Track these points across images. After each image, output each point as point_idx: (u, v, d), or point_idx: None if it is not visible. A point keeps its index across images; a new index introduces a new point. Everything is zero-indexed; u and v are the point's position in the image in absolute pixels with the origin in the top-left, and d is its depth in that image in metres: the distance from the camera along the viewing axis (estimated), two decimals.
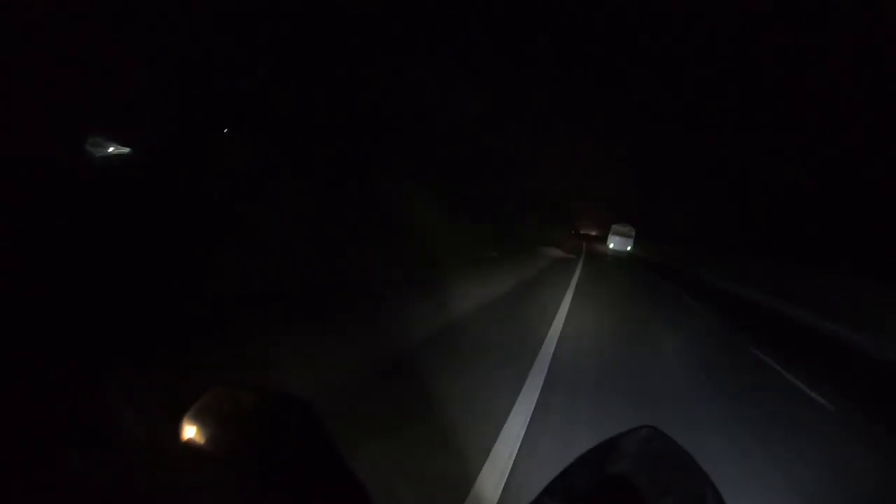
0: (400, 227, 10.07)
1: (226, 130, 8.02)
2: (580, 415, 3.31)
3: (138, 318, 3.35)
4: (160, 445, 0.52)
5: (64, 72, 5.46)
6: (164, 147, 7.25)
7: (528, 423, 3.00)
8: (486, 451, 2.56)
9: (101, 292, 3.46)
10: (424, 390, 3.25)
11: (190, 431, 0.52)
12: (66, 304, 3.15)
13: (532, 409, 3.22)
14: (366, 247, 7.66)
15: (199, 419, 0.53)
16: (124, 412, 2.06)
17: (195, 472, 0.50)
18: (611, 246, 36.68)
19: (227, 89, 8.15)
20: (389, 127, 12.14)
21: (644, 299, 11.22)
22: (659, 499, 0.68)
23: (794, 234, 18.88)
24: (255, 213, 6.29)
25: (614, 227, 37.80)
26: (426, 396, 3.16)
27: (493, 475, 2.34)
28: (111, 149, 8.45)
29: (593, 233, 64.16)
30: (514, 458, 2.54)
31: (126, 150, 8.49)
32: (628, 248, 36.27)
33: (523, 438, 2.78)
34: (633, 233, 37.15)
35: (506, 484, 2.28)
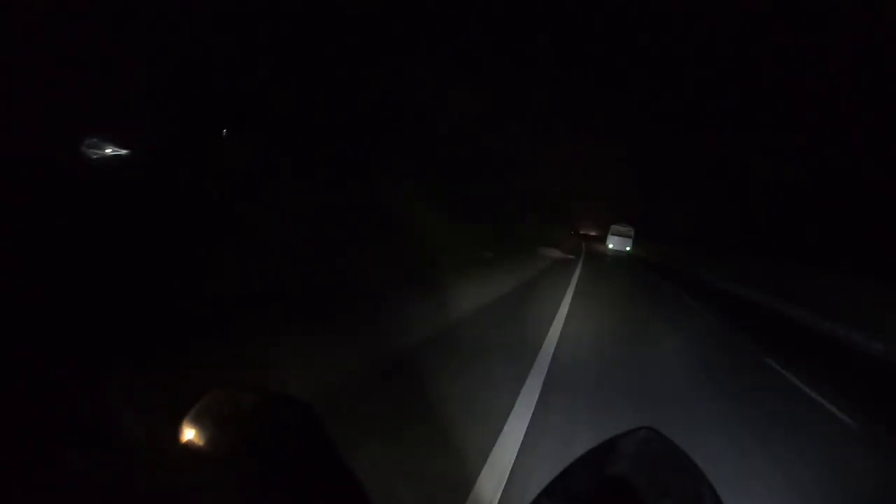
0: (400, 228, 10.07)
1: (224, 131, 8.03)
2: (579, 414, 3.31)
3: (138, 318, 3.35)
4: (160, 446, 0.52)
5: (62, 72, 5.46)
6: (163, 147, 7.25)
7: (527, 424, 3.00)
8: (486, 452, 2.56)
9: (101, 292, 3.46)
10: (424, 390, 3.25)
11: (189, 433, 0.52)
12: (66, 304, 3.15)
13: (531, 411, 3.22)
14: (365, 247, 7.66)
15: (198, 421, 0.53)
16: (124, 412, 2.06)
17: (195, 473, 0.50)
18: (610, 246, 36.72)
19: (227, 89, 8.15)
20: (389, 127, 12.14)
21: (644, 299, 11.23)
22: (658, 500, 0.69)
23: (794, 234, 18.89)
24: (255, 213, 6.29)
25: (613, 227, 37.84)
26: (426, 396, 3.16)
27: (492, 476, 2.34)
28: (109, 150, 8.44)
29: (593, 233, 64.23)
30: (513, 458, 2.54)
31: (124, 151, 8.49)
32: (627, 248, 36.32)
33: (523, 440, 2.78)
34: (633, 233, 37.20)
35: (506, 484, 2.28)
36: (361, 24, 11.38)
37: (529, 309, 7.06)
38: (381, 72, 12.07)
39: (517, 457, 2.55)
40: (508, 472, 2.38)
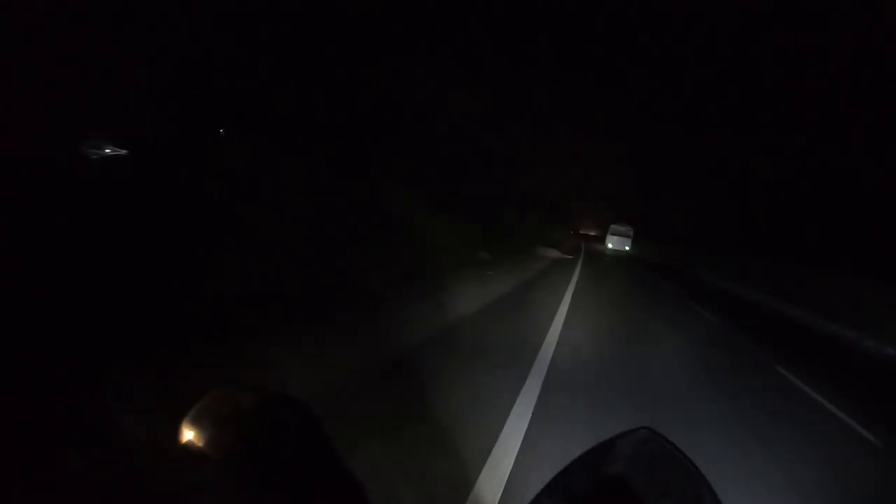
0: (399, 227, 10.07)
1: (221, 131, 8.02)
2: (579, 414, 3.31)
3: (138, 318, 3.35)
4: (160, 446, 0.53)
5: (62, 72, 5.46)
6: (163, 147, 7.25)
7: (527, 424, 3.00)
8: (486, 452, 2.56)
9: (101, 292, 3.46)
10: (424, 390, 3.25)
11: (189, 434, 0.52)
12: (66, 304, 3.15)
13: (531, 411, 3.22)
14: (365, 247, 7.66)
15: (198, 422, 0.53)
16: (124, 412, 2.06)
17: (195, 473, 0.50)
18: (609, 246, 36.81)
19: (226, 89, 8.15)
20: (389, 127, 12.14)
21: (643, 300, 11.23)
22: (657, 500, 0.69)
23: (794, 234, 18.89)
24: (255, 213, 6.29)
25: (612, 226, 37.93)
26: (425, 396, 3.16)
27: (492, 476, 2.34)
28: (109, 150, 8.44)
29: (592, 233, 64.38)
30: (513, 458, 2.54)
31: (124, 151, 8.48)
32: (626, 248, 36.39)
33: (523, 440, 2.78)
34: (632, 233, 37.28)
35: (506, 484, 2.27)
36: (361, 24, 11.38)
37: (529, 309, 7.06)
38: (381, 72, 12.07)
39: (517, 457, 2.55)
40: (508, 472, 2.38)
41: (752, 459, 3.06)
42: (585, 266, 17.09)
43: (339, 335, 4.28)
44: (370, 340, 4.27)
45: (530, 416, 3.12)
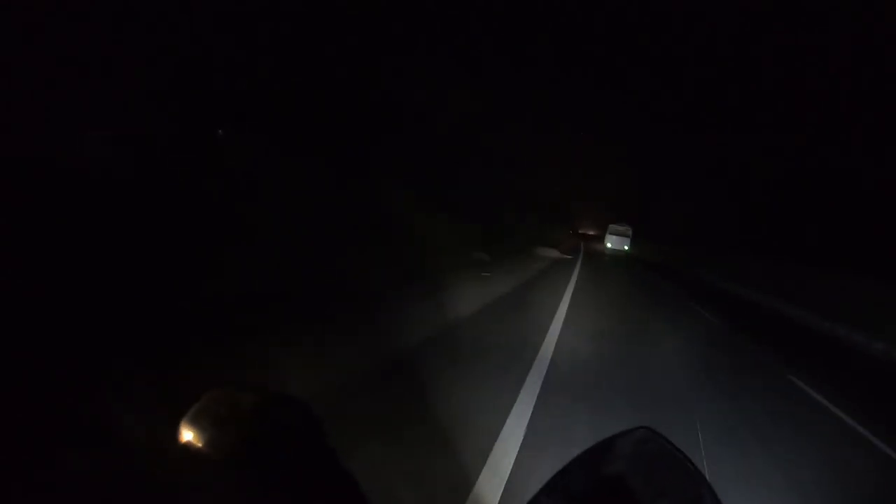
0: (399, 228, 10.07)
1: (220, 131, 8.00)
2: (579, 414, 3.31)
3: (138, 317, 3.35)
4: (160, 446, 0.53)
5: (61, 72, 5.46)
6: (163, 147, 7.24)
7: (527, 424, 3.00)
8: (486, 452, 2.56)
9: (101, 292, 3.46)
10: (424, 390, 3.25)
11: (188, 434, 0.52)
12: (66, 304, 3.15)
13: (531, 411, 3.22)
14: (365, 247, 7.66)
15: (197, 422, 0.53)
16: (124, 412, 2.06)
17: (195, 473, 0.50)
18: (608, 245, 36.94)
19: (226, 89, 8.16)
20: (389, 127, 12.14)
21: (643, 300, 11.22)
22: (655, 500, 0.68)
23: (794, 234, 18.88)
24: (255, 213, 6.29)
25: (611, 226, 38.08)
26: (425, 396, 3.16)
27: (492, 476, 2.34)
28: (108, 149, 8.42)
29: (592, 232, 64.60)
30: (513, 458, 2.54)
31: (123, 151, 8.47)
32: (625, 248, 36.51)
33: (522, 440, 2.78)
34: (630, 232, 37.42)
35: (506, 485, 2.28)
36: (361, 24, 11.38)
37: (529, 309, 7.06)
38: (381, 72, 12.07)
39: (517, 457, 2.55)
40: (508, 472, 2.38)
41: (752, 459, 3.06)
42: (585, 266, 17.03)
43: (339, 335, 4.28)
44: (370, 340, 4.27)
45: (530, 415, 3.12)
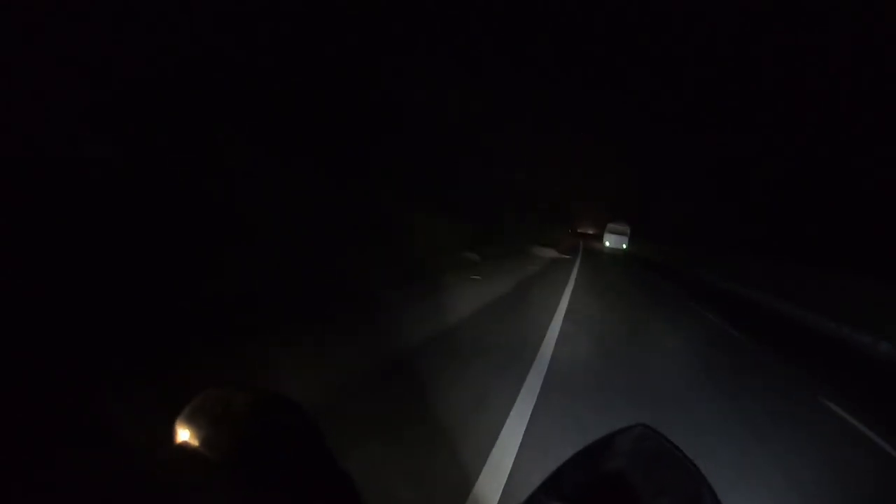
0: (399, 228, 10.06)
1: (217, 132, 7.98)
2: (579, 415, 3.31)
3: (138, 318, 3.35)
4: (160, 446, 0.53)
5: (61, 71, 5.46)
6: (163, 147, 7.24)
7: (526, 424, 3.00)
8: (486, 452, 2.56)
9: (100, 293, 3.46)
10: (423, 390, 3.25)
11: (183, 434, 0.52)
12: (66, 304, 3.15)
13: (530, 411, 3.22)
14: (365, 247, 7.66)
15: (192, 421, 0.53)
16: (124, 412, 2.06)
17: (193, 474, 0.50)
18: (607, 244, 37.12)
19: (226, 89, 8.15)
20: (389, 127, 12.14)
21: (644, 300, 11.22)
22: (654, 497, 0.68)
23: (794, 234, 18.88)
24: (255, 213, 6.29)
25: (610, 225, 38.28)
26: (425, 396, 3.16)
27: (492, 476, 2.34)
28: (108, 149, 8.41)
29: (591, 231, 64.99)
30: (513, 458, 2.54)
31: (123, 150, 8.46)
32: (623, 246, 36.65)
33: (522, 440, 2.78)
34: (629, 230, 37.59)
35: (505, 486, 2.28)
36: (361, 24, 11.38)
37: (529, 309, 7.05)
38: (381, 72, 12.07)
39: (517, 457, 2.55)
40: (508, 472, 2.38)
41: (751, 458, 3.06)
42: (583, 268, 16.41)
43: (338, 335, 4.28)
44: (370, 340, 4.28)
45: (530, 415, 3.12)
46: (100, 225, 4.34)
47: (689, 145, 39.82)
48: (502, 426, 2.90)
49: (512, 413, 3.10)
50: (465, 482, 2.24)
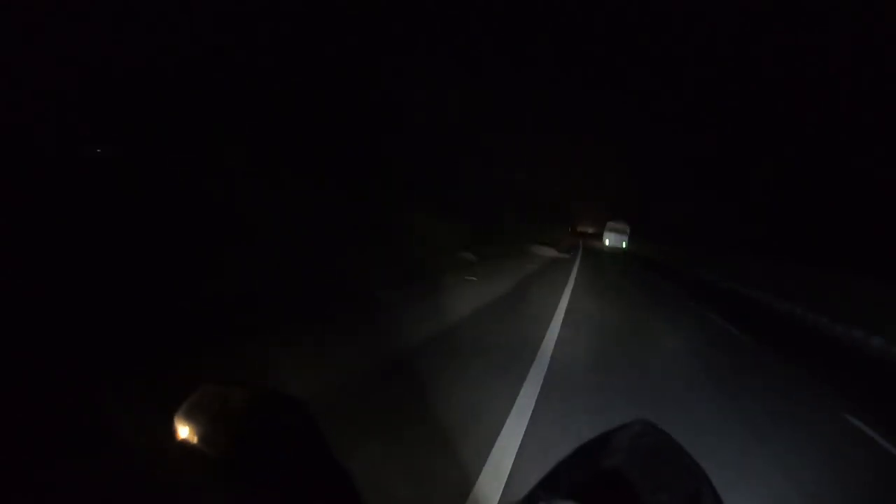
0: (399, 228, 10.06)
1: (218, 132, 7.97)
2: (578, 415, 3.31)
3: (138, 318, 3.35)
4: (159, 446, 0.52)
5: (61, 71, 5.46)
6: (163, 147, 7.24)
7: (526, 425, 3.00)
8: (486, 452, 2.56)
9: (100, 293, 3.46)
10: (423, 390, 3.26)
11: (183, 431, 0.51)
12: (66, 304, 3.15)
13: (530, 412, 3.22)
14: (365, 247, 7.66)
15: (190, 417, 0.52)
16: (124, 413, 2.06)
17: (194, 472, 0.50)
18: (606, 242, 37.19)
19: (226, 89, 8.16)
20: (389, 127, 12.14)
21: (644, 301, 11.21)
22: (653, 493, 0.68)
23: (794, 234, 18.88)
24: (255, 214, 6.29)
25: (609, 223, 38.35)
26: (425, 396, 3.16)
27: (492, 475, 2.34)
28: (107, 149, 8.42)
29: (591, 230, 65.23)
30: (513, 458, 2.54)
31: (123, 150, 8.47)
32: (623, 245, 36.67)
33: (522, 441, 2.78)
34: (628, 229, 37.64)
35: (504, 487, 2.27)
36: (361, 24, 11.38)
37: (529, 308, 7.05)
38: (381, 72, 12.07)
39: (516, 457, 2.55)
40: (508, 472, 2.38)
41: (751, 459, 3.06)
42: (583, 269, 15.86)
43: (338, 335, 4.28)
44: (370, 340, 4.28)
45: (530, 415, 3.11)
46: (100, 224, 4.34)
47: (689, 145, 39.84)
48: (502, 426, 2.90)
49: (512, 412, 3.10)
50: (465, 482, 2.24)
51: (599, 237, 42.50)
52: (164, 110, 7.00)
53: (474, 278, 8.89)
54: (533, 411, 3.19)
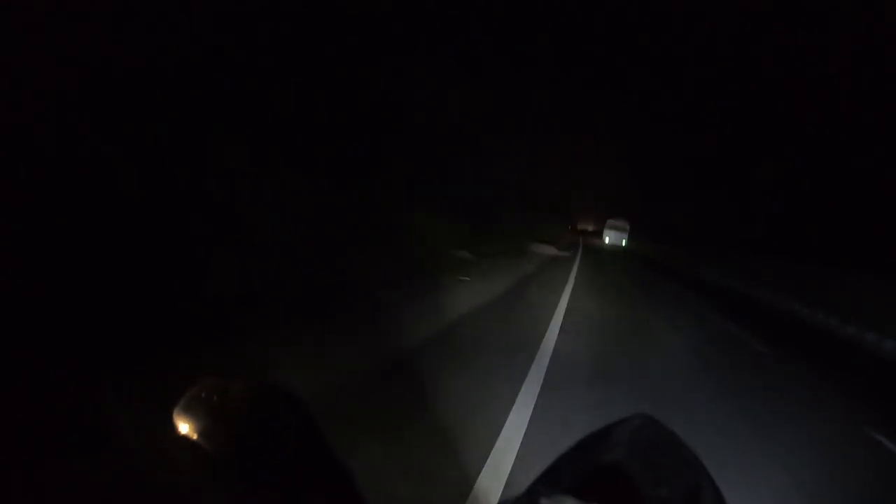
0: (399, 227, 10.06)
1: (217, 132, 7.97)
2: (579, 415, 3.31)
3: (138, 317, 3.35)
4: (159, 446, 0.52)
5: (60, 70, 5.45)
6: (163, 147, 7.24)
7: (526, 425, 3.00)
8: (486, 452, 2.56)
9: (101, 292, 3.46)
10: (423, 390, 3.26)
11: (183, 426, 0.51)
12: (65, 304, 3.15)
13: (530, 412, 3.22)
14: (366, 247, 7.66)
15: (190, 411, 0.52)
16: (124, 412, 2.06)
17: (193, 472, 0.50)
18: (606, 240, 37.21)
19: (226, 89, 8.15)
20: (389, 127, 12.13)
21: (644, 301, 11.21)
22: (654, 487, 0.68)
23: (794, 233, 18.88)
24: (255, 213, 6.29)
25: (609, 221, 38.40)
26: (425, 396, 3.16)
27: (492, 475, 2.34)
28: (107, 149, 8.40)
29: (591, 228, 65.54)
30: (513, 458, 2.54)
31: (123, 150, 8.45)
32: (623, 243, 36.67)
33: (522, 441, 2.78)
34: (628, 227, 37.66)
35: (504, 487, 2.27)
36: (361, 24, 11.38)
37: (530, 308, 7.05)
38: (381, 72, 12.07)
39: (517, 457, 2.55)
40: (509, 472, 2.38)
41: (751, 459, 3.06)
42: (583, 269, 15.52)
43: (338, 335, 4.28)
44: (370, 340, 4.28)
45: (530, 415, 3.12)
46: (100, 224, 4.34)
47: (689, 145, 39.85)
48: (502, 426, 2.90)
49: (512, 412, 3.11)
50: (465, 482, 2.24)
51: (599, 235, 42.56)
52: (164, 110, 6.99)
53: (467, 278, 8.71)
54: (533, 411, 3.20)
